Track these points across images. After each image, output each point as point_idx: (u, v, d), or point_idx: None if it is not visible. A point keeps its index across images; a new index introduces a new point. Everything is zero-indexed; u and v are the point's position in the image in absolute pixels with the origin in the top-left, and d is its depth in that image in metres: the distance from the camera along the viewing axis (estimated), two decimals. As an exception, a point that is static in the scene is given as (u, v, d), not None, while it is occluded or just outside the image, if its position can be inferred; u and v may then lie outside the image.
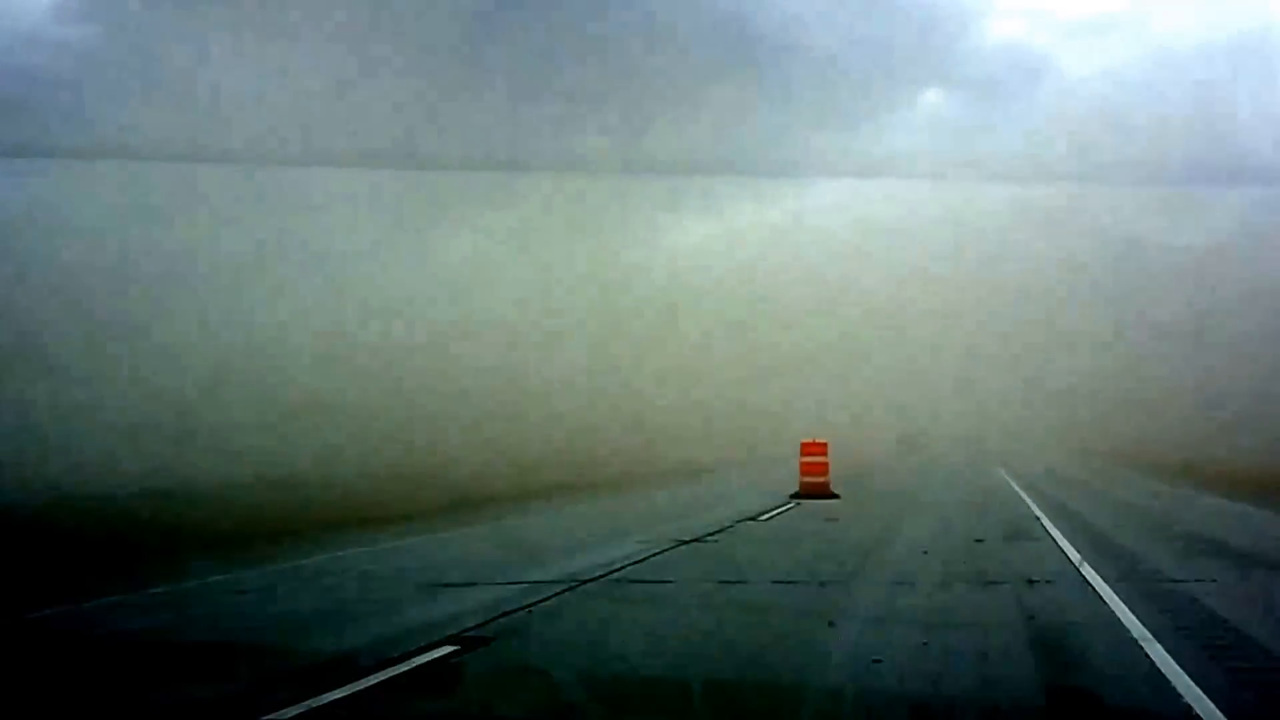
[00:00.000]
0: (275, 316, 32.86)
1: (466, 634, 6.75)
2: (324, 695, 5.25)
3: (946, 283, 41.97)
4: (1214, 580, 8.82)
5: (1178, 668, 5.68)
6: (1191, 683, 5.37)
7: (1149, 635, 6.50)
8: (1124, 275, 38.91)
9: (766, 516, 15.48)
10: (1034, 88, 50.48)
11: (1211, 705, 4.98)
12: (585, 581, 8.97)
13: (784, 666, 6.11)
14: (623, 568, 9.83)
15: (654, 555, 10.76)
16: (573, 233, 40.73)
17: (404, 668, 5.87)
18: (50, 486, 16.95)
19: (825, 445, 19.03)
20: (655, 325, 38.29)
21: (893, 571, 9.74)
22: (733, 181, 42.84)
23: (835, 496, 18.24)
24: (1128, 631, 6.71)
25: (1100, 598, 7.98)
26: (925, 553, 10.96)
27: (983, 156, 43.79)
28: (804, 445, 19.22)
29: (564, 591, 8.46)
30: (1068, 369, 40.81)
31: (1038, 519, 14.73)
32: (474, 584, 9.10)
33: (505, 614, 7.41)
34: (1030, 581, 8.75)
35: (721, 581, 9.25)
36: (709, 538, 12.55)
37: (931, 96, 55.79)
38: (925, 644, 6.39)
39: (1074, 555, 10.48)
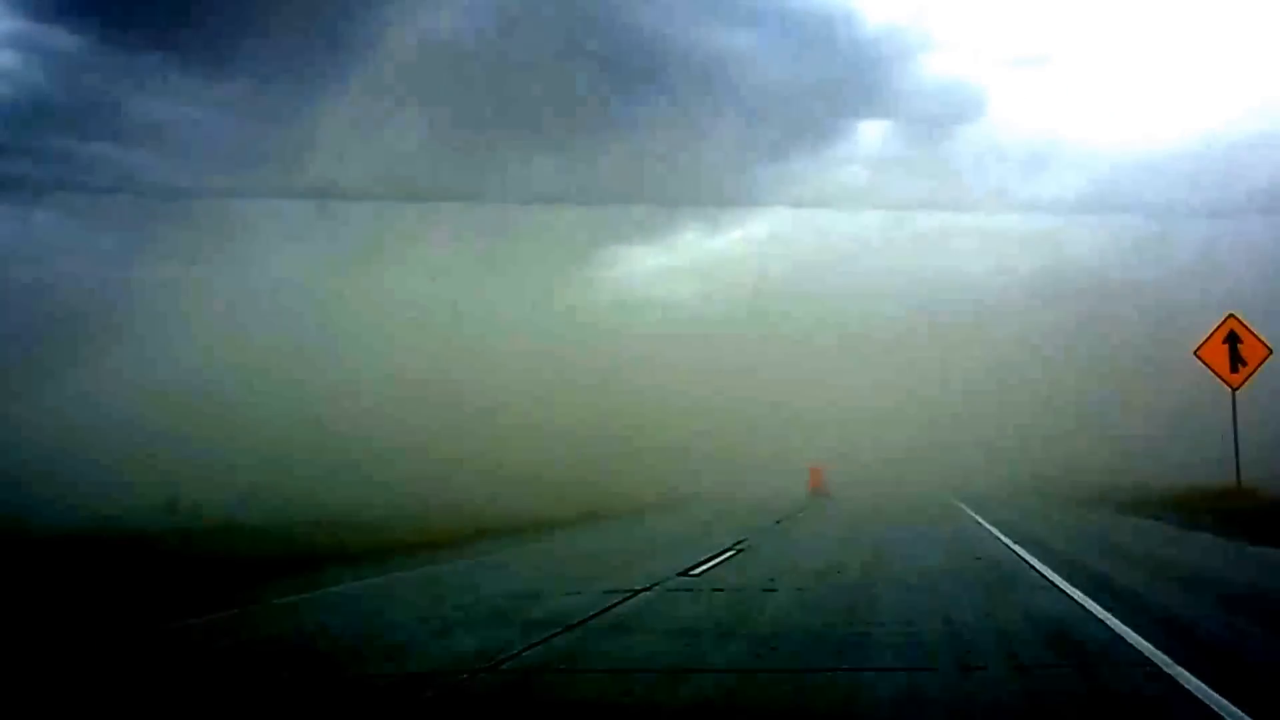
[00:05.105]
0: (221, 350, 33.05)
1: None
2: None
3: (889, 311, 42.83)
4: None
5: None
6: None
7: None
8: (1064, 302, 39.96)
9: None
10: (970, 121, 52.48)
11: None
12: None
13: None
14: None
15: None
16: (521, 263, 41.05)
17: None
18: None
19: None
20: (605, 353, 38.09)
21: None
22: (679, 211, 43.67)
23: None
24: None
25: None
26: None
27: (922, 187, 44.78)
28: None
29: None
30: (1013, 395, 40.66)
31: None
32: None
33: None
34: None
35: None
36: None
37: (871, 129, 56.67)
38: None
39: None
